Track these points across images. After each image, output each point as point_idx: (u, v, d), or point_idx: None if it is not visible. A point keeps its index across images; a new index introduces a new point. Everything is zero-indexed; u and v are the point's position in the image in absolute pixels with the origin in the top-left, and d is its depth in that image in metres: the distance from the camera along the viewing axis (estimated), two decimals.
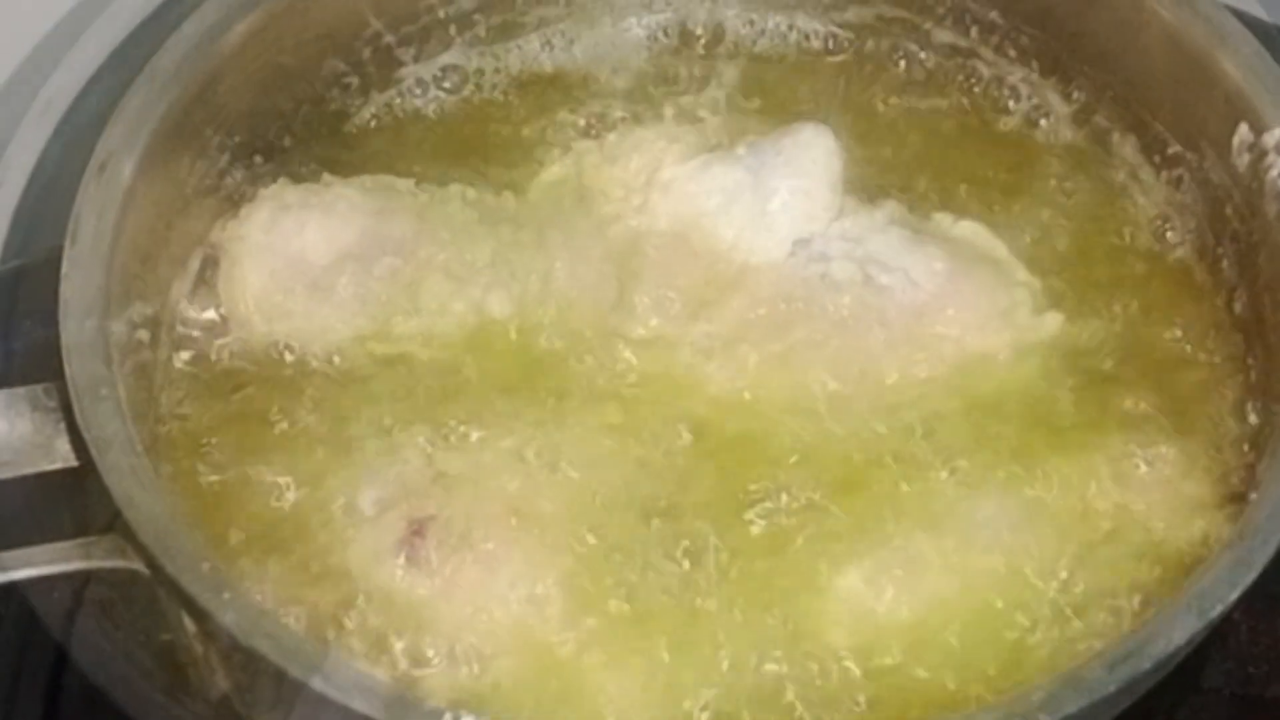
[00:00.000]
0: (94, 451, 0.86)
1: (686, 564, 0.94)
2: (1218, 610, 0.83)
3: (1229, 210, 1.01)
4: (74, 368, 0.89)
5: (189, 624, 0.88)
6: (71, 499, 0.95)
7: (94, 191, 0.95)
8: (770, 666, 0.92)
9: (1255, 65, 0.99)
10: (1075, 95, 1.09)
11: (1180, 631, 0.82)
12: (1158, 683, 0.87)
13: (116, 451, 0.87)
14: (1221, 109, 1.00)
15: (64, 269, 0.92)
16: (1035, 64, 1.10)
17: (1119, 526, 0.95)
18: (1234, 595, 0.83)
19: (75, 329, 0.90)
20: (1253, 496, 0.91)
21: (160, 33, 1.00)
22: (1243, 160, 0.99)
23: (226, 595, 0.83)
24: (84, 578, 1.03)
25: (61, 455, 0.92)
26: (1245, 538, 0.85)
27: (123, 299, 0.94)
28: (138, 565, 0.86)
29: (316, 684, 0.81)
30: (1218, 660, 1.03)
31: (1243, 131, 0.99)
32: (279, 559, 0.94)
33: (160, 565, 0.84)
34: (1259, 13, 1.14)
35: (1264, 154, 0.98)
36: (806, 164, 1.04)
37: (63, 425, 0.91)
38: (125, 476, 0.86)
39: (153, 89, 0.98)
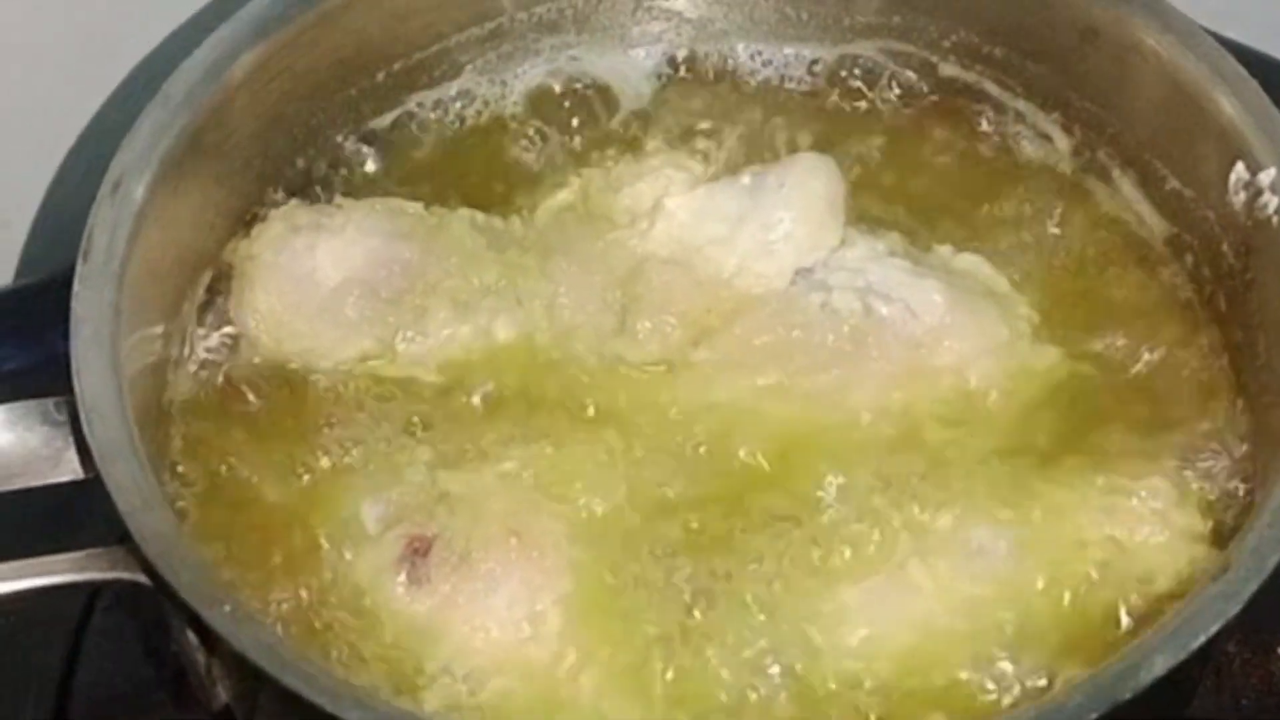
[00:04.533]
0: (100, 465, 0.88)
1: (684, 586, 0.95)
2: (1199, 641, 0.83)
3: (1225, 247, 1.02)
4: (83, 382, 0.90)
5: (191, 636, 0.89)
6: (81, 512, 0.96)
7: (107, 210, 0.96)
8: (767, 689, 0.92)
9: (1252, 104, 1.00)
10: (1076, 130, 1.10)
11: (1162, 662, 0.83)
12: (1145, 716, 0.88)
13: (122, 466, 0.88)
14: (1218, 147, 1.01)
15: (75, 286, 0.93)
16: (1038, 99, 1.11)
17: (1110, 557, 0.95)
18: (1216, 627, 0.84)
19: (85, 344, 0.92)
20: (1243, 528, 0.92)
21: (173, 58, 1.01)
22: (1239, 198, 1.00)
23: (228, 609, 0.84)
24: (93, 589, 1.05)
25: (70, 468, 0.93)
26: (1230, 570, 0.86)
27: (133, 316, 0.95)
28: (142, 578, 0.87)
29: (315, 698, 0.82)
30: (1209, 691, 1.03)
31: (1239, 169, 1.00)
32: (281, 574, 0.95)
33: (163, 579, 0.85)
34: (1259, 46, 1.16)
35: (1259, 192, 0.99)
36: (808, 194, 1.05)
37: (72, 439, 0.92)
38: (130, 491, 0.87)
39: (166, 111, 0.99)
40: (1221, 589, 0.85)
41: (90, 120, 1.25)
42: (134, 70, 1.24)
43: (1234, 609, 0.85)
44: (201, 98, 1.01)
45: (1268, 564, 0.86)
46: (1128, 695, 0.82)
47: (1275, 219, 0.98)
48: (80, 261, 0.94)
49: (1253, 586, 0.85)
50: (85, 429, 0.89)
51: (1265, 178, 0.99)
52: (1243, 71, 1.01)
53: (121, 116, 1.00)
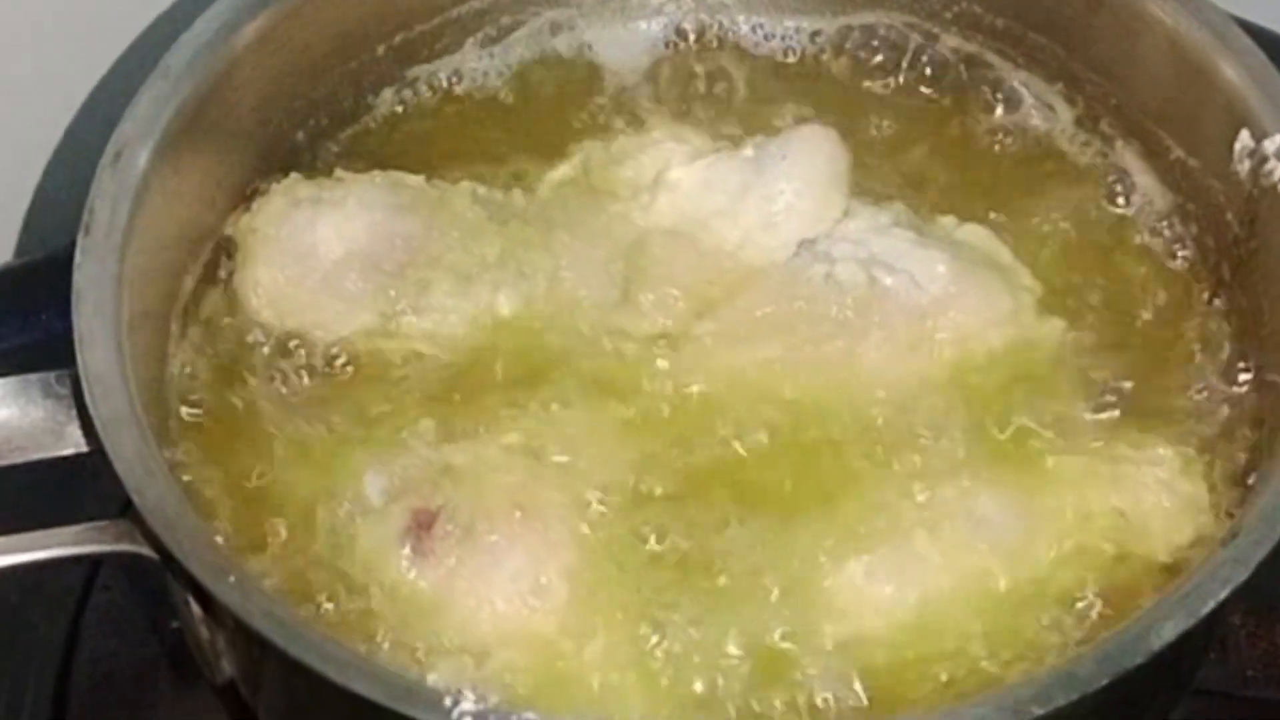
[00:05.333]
0: (104, 437, 0.87)
1: (689, 557, 0.95)
2: (1209, 607, 0.83)
3: (1229, 216, 1.02)
4: (86, 355, 0.90)
5: (196, 609, 0.89)
6: (85, 484, 0.96)
7: (108, 183, 0.96)
8: (774, 655, 0.92)
9: (1256, 71, 1.00)
10: (1079, 101, 1.10)
11: (1171, 628, 0.83)
12: (1153, 684, 0.88)
13: (126, 438, 0.87)
14: (1222, 115, 1.01)
15: (77, 258, 0.93)
16: (1040, 70, 1.11)
17: (1116, 527, 0.95)
18: (1225, 593, 0.84)
19: (87, 316, 0.91)
20: (1248, 498, 0.92)
21: (174, 30, 1.01)
22: (1243, 166, 1.00)
23: (233, 579, 0.84)
24: (95, 563, 1.05)
25: (73, 441, 0.92)
26: (1238, 536, 0.86)
27: (135, 288, 0.95)
28: (146, 550, 0.87)
29: (320, 669, 0.82)
30: (1215, 663, 1.03)
31: (1243, 138, 1.00)
32: (286, 547, 0.95)
33: (168, 550, 0.85)
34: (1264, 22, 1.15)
35: (1264, 160, 0.99)
36: (811, 165, 1.05)
37: (74, 412, 0.92)
38: (134, 463, 0.87)
39: (166, 84, 0.99)
40: (1231, 554, 0.85)
41: (89, 95, 1.25)
42: (134, 43, 1.24)
43: (1243, 575, 0.84)
44: (202, 70, 1.00)
45: (1276, 530, 0.86)
46: (1138, 661, 0.82)
47: None
48: (81, 234, 0.94)
49: (1262, 552, 0.85)
50: (89, 401, 0.88)
51: (1270, 145, 0.98)
52: (1247, 39, 1.01)
53: (121, 91, 1.00)
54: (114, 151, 0.96)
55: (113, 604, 1.09)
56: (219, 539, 0.92)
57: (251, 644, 0.85)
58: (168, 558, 0.85)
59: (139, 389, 0.91)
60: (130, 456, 0.87)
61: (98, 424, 0.88)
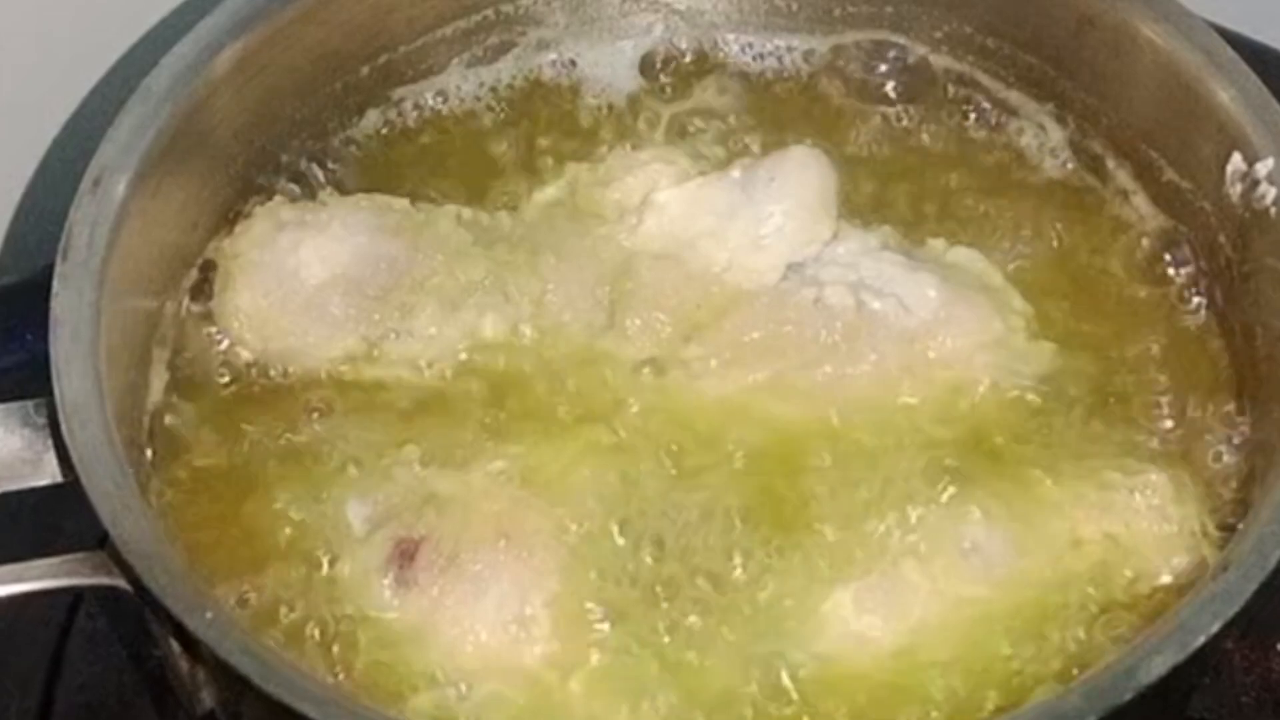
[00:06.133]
0: (80, 469, 0.86)
1: (675, 587, 0.94)
2: (1199, 642, 0.82)
3: (1222, 239, 1.01)
4: (62, 384, 0.89)
5: (174, 643, 0.88)
6: (64, 515, 0.95)
7: (87, 207, 0.95)
8: (759, 690, 0.91)
9: (1249, 93, 0.99)
10: (1071, 122, 1.09)
11: (1161, 663, 0.82)
12: (1143, 717, 0.87)
13: (102, 469, 0.87)
14: (1215, 137, 1.00)
15: (55, 285, 0.92)
16: (1031, 90, 1.09)
17: (1107, 554, 0.94)
18: (1215, 627, 0.83)
19: (65, 345, 0.90)
20: (1240, 527, 0.91)
21: (155, 53, 1.00)
22: (1235, 190, 0.99)
23: (209, 615, 0.83)
24: (77, 594, 1.04)
25: (51, 471, 0.91)
26: (1230, 569, 0.85)
27: (114, 315, 0.94)
28: (122, 583, 0.86)
29: (299, 705, 0.81)
30: (1209, 689, 1.03)
31: (1236, 160, 0.99)
32: (267, 577, 0.94)
33: (144, 584, 0.84)
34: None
35: (1256, 183, 0.98)
36: (800, 187, 1.04)
37: (51, 442, 0.91)
38: (110, 495, 0.86)
39: (147, 107, 0.98)
40: (1221, 588, 0.84)
41: (70, 117, 1.24)
42: (115, 66, 1.23)
43: (1234, 609, 0.83)
44: (183, 93, 0.99)
45: (1268, 562, 0.85)
46: (1127, 697, 0.81)
47: (1273, 210, 0.97)
48: (59, 260, 0.93)
49: (1253, 585, 0.84)
50: (65, 433, 0.88)
51: (1262, 168, 0.97)
52: (1239, 60, 1.00)
53: (102, 113, 0.99)
54: (94, 177, 0.95)
55: (97, 631, 1.08)
56: (198, 569, 0.91)
57: (230, 679, 0.84)
58: (144, 592, 0.84)
59: (117, 418, 0.90)
60: (106, 488, 0.86)
61: (74, 455, 0.87)
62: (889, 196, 1.08)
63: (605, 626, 0.93)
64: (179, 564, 0.86)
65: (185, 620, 0.82)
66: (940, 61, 1.12)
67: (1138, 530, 0.95)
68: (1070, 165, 1.09)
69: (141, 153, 0.97)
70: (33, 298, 0.94)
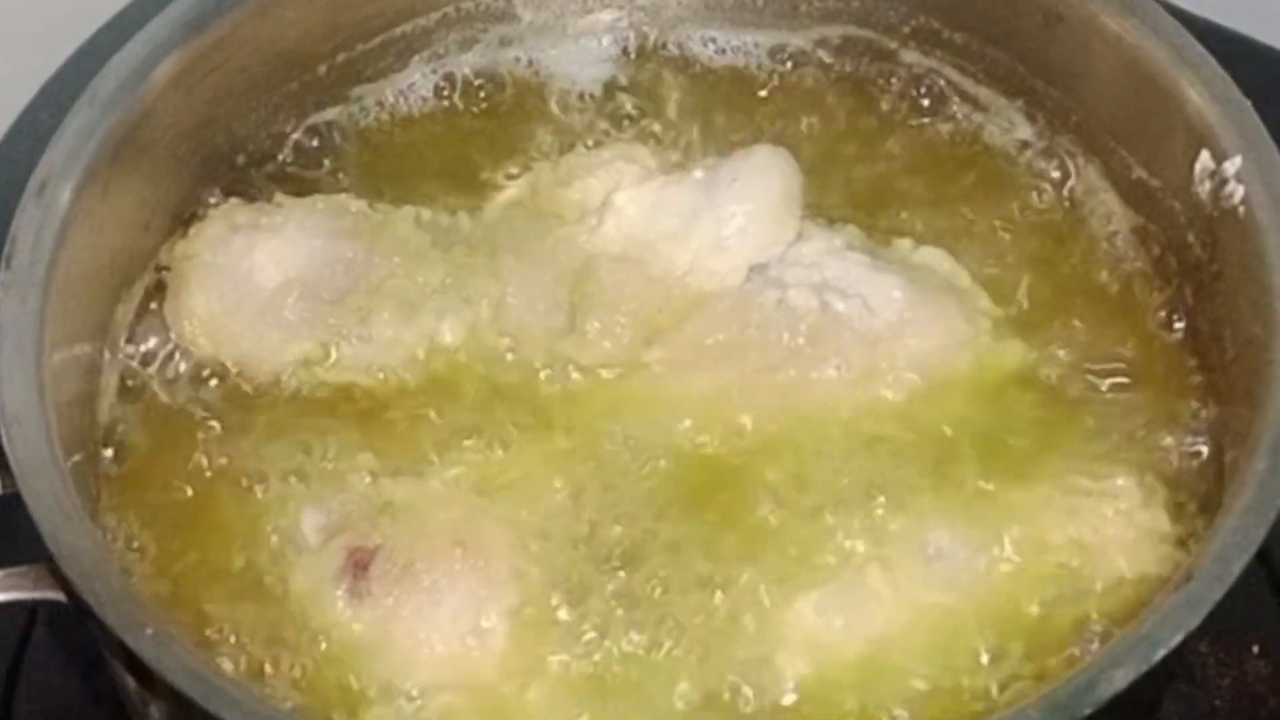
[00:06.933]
0: (20, 482, 0.85)
1: (634, 597, 0.92)
2: (1160, 654, 0.81)
3: (1190, 238, 1.00)
4: (4, 395, 0.88)
5: (117, 659, 0.87)
6: (17, 526, 0.94)
7: (32, 214, 0.93)
8: (720, 701, 0.90)
9: (1217, 90, 0.97)
10: (1039, 118, 1.07)
11: (1122, 676, 0.81)
12: (1114, 715, 0.86)
13: (43, 482, 0.85)
14: (1183, 136, 0.98)
15: None
16: (1000, 86, 1.08)
17: (1075, 559, 0.93)
18: (1177, 639, 0.81)
19: (7, 355, 0.89)
20: (1206, 533, 0.89)
21: (100, 55, 0.98)
22: (1204, 188, 0.98)
23: (150, 631, 0.82)
24: (33, 607, 1.03)
25: None
26: (1193, 579, 0.84)
27: (60, 324, 0.92)
28: (63, 597, 0.85)
29: None
30: (1182, 692, 1.02)
31: (1204, 159, 0.97)
32: (215, 590, 0.92)
33: (84, 600, 0.82)
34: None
35: (1224, 182, 0.96)
36: (763, 187, 1.02)
37: None
38: (52, 509, 0.85)
39: (94, 110, 0.97)
40: (1184, 599, 0.83)
41: (14, 121, 1.23)
42: (60, 69, 1.21)
43: (1196, 620, 0.82)
44: (130, 96, 0.98)
45: (1232, 570, 0.84)
46: (1088, 710, 0.80)
47: (1241, 209, 0.95)
48: (3, 268, 0.92)
49: (1216, 595, 0.83)
50: (5, 445, 0.86)
51: (1230, 166, 0.96)
52: (1208, 56, 0.99)
53: (48, 118, 0.98)
54: (39, 182, 0.94)
55: (56, 640, 1.07)
56: (144, 584, 0.89)
57: (172, 697, 0.82)
58: (84, 607, 0.82)
59: (62, 427, 0.89)
60: (48, 502, 0.85)
61: (14, 468, 0.86)
62: (855, 196, 1.06)
63: (563, 636, 0.91)
64: (121, 580, 0.84)
65: (125, 637, 0.81)
66: (908, 56, 1.10)
67: (1105, 535, 0.93)
68: (1040, 164, 1.07)
69: (88, 157, 0.96)
70: None
